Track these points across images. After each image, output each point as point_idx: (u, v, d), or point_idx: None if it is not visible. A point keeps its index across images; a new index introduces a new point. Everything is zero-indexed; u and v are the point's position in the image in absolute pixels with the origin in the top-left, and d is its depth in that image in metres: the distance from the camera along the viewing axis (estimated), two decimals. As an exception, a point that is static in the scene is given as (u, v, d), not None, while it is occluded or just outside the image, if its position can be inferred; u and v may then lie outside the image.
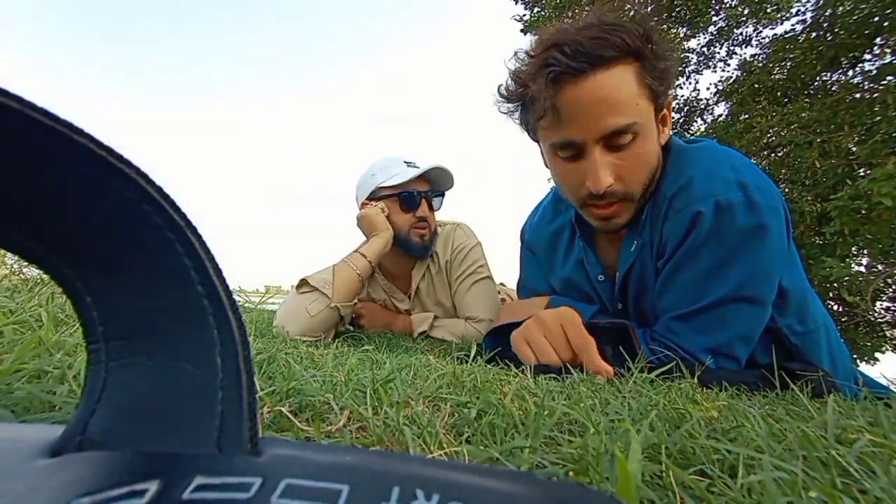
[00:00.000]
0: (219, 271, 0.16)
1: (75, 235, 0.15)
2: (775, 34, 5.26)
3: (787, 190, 4.25)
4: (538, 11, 5.84)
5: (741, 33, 5.84)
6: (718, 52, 6.12)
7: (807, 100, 4.51)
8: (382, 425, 0.32)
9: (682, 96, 6.33)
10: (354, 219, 1.27)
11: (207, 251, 0.16)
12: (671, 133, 0.83)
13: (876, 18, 3.86)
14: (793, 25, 4.85)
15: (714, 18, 5.82)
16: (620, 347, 0.70)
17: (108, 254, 0.16)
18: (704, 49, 6.17)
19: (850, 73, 4.31)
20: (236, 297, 0.17)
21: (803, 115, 4.12)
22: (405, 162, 1.27)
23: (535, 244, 1.05)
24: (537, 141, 0.84)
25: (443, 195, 1.34)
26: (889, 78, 3.76)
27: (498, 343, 0.80)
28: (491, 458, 0.28)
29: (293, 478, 0.14)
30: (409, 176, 1.23)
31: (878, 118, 3.61)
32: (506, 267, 1.41)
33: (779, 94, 4.89)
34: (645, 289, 0.83)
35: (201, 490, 0.13)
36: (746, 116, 4.87)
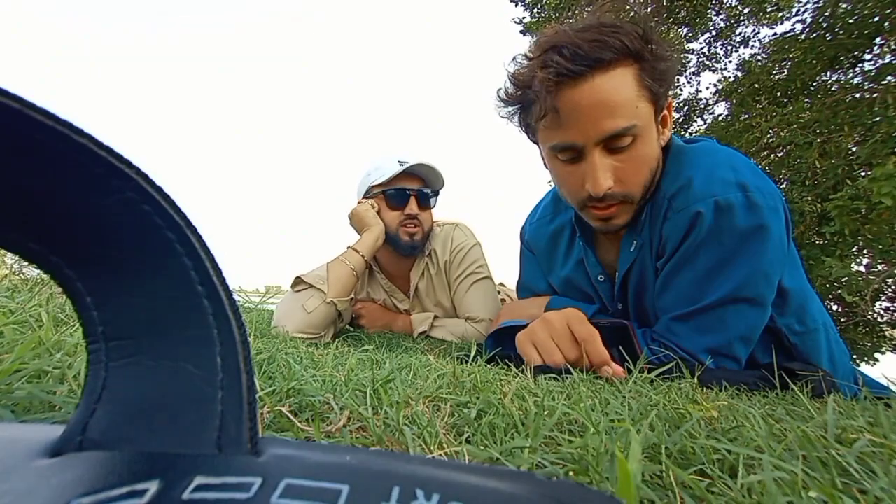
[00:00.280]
0: (219, 271, 0.16)
1: (75, 235, 0.15)
2: (775, 34, 5.27)
3: (787, 190, 4.24)
4: (538, 13, 5.84)
5: (741, 33, 5.85)
6: (718, 53, 6.13)
7: (807, 100, 4.50)
8: (382, 425, 0.32)
9: (682, 97, 6.33)
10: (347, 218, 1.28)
11: (207, 251, 0.16)
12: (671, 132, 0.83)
13: (876, 18, 3.86)
14: (793, 25, 4.86)
15: (714, 18, 5.82)
16: (620, 347, 0.70)
17: (108, 254, 0.16)
18: (705, 50, 6.18)
19: (850, 73, 4.30)
20: (236, 297, 0.17)
21: (803, 115, 4.11)
22: (399, 161, 1.26)
23: (534, 244, 1.05)
24: (537, 143, 0.84)
25: (436, 194, 1.32)
26: (889, 78, 3.75)
27: (499, 345, 0.80)
28: (491, 458, 0.28)
29: (293, 478, 0.14)
30: (392, 173, 1.23)
31: (878, 118, 3.60)
32: (505, 267, 1.41)
33: (779, 94, 4.88)
34: (644, 289, 0.83)
35: (201, 490, 0.13)
36: (746, 116, 4.86)
